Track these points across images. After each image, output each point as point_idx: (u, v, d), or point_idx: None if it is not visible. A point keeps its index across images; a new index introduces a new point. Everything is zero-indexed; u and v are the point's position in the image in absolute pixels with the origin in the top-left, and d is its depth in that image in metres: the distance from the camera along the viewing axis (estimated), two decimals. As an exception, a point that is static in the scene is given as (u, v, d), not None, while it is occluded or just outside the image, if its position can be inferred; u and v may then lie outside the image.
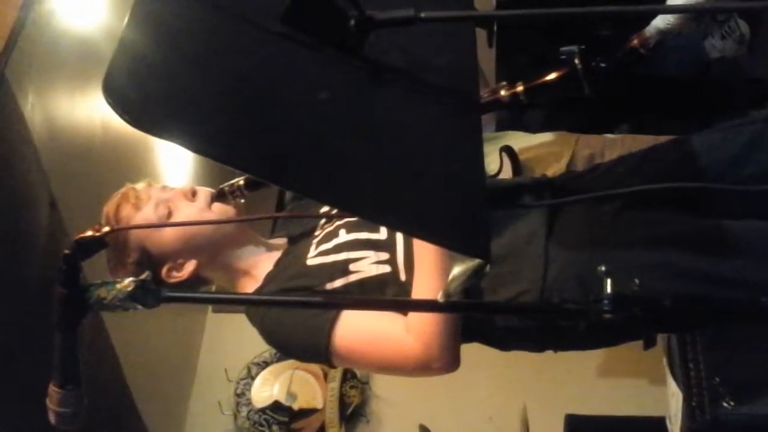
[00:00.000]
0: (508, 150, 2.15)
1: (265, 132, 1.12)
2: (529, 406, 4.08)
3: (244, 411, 4.46)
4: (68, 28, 3.20)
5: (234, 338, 4.46)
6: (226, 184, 2.01)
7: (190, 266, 1.98)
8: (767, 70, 3.51)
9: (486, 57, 3.57)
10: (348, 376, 4.45)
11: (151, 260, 1.96)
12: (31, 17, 2.85)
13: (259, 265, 2.01)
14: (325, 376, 4.43)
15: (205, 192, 2.01)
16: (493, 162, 2.14)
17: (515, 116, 3.65)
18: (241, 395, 4.51)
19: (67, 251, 1.35)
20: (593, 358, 4.28)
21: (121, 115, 1.04)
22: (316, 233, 2.01)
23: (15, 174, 2.79)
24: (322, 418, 4.37)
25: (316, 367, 4.45)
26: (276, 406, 4.39)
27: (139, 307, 1.33)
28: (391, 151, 1.20)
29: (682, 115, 3.55)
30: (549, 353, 1.93)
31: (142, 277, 1.34)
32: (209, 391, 4.62)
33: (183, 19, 1.16)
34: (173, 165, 3.95)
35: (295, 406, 4.36)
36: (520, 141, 2.81)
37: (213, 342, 4.79)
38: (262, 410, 4.41)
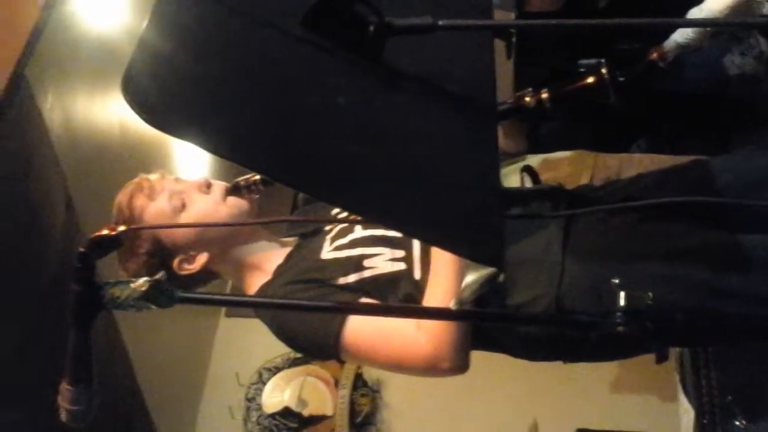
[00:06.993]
0: (528, 169, 2.16)
1: (283, 135, 1.13)
2: (539, 419, 4.08)
3: (254, 416, 4.47)
4: (89, 29, 3.22)
5: (246, 343, 4.47)
6: (242, 178, 2.00)
7: (202, 259, 1.97)
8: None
9: (504, 69, 3.58)
10: (359, 383, 4.46)
11: (163, 251, 1.96)
12: (52, 18, 2.87)
13: (270, 259, 2.00)
14: (336, 383, 4.43)
15: (219, 185, 2.01)
16: (513, 183, 2.15)
17: (532, 128, 3.65)
18: (252, 400, 4.52)
19: (82, 249, 1.35)
20: (605, 373, 4.27)
21: (140, 115, 1.05)
22: (328, 228, 2.01)
23: (33, 173, 2.81)
24: (331, 425, 4.37)
25: (327, 374, 4.45)
26: (286, 412, 4.40)
27: (153, 307, 1.33)
28: (406, 157, 1.20)
29: (700, 131, 3.54)
30: (560, 366, 1.93)
31: (157, 277, 1.34)
32: (220, 395, 4.64)
33: (202, 22, 1.17)
34: (190, 167, 3.97)
35: (306, 413, 4.37)
36: (539, 162, 2.81)
37: (225, 346, 4.80)
38: (272, 416, 4.41)
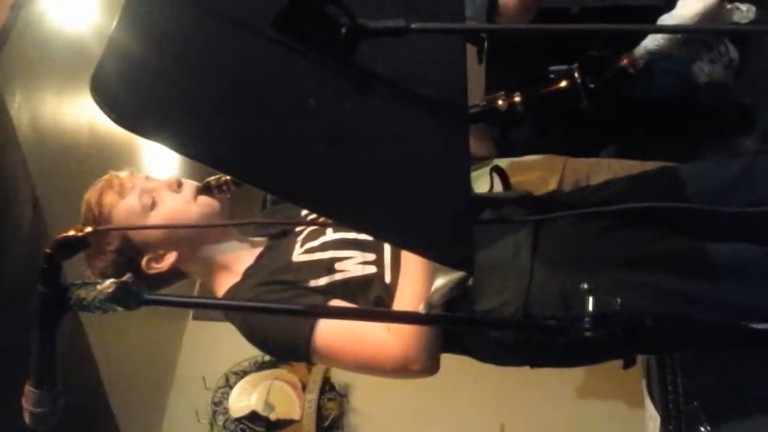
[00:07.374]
0: (498, 170, 2.16)
1: (253, 137, 1.12)
2: (506, 424, 4.09)
3: (220, 420, 4.44)
4: (58, 28, 3.20)
5: (213, 346, 4.45)
6: (213, 177, 1.99)
7: (170, 258, 1.96)
8: (754, 97, 3.52)
9: (475, 74, 3.58)
10: (326, 388, 4.44)
11: (132, 249, 1.94)
12: (21, 18, 2.84)
13: (240, 260, 1.99)
14: (304, 387, 4.41)
15: (190, 184, 2.00)
16: (483, 185, 2.15)
17: (501, 132, 3.66)
18: (219, 404, 4.48)
19: (48, 250, 1.34)
20: (572, 379, 4.29)
21: (109, 116, 1.03)
22: (299, 230, 2.00)
23: (-1, 173, 2.78)
24: (299, 429, 4.35)
25: (294, 378, 4.43)
26: (253, 416, 4.36)
27: (119, 308, 1.31)
28: (377, 160, 1.20)
29: (668, 138, 3.56)
30: (527, 371, 1.93)
31: (124, 278, 1.32)
32: (186, 398, 4.60)
33: (173, 22, 1.16)
34: (160, 168, 3.94)
35: (273, 417, 4.34)
36: (507, 166, 2.81)
37: (192, 349, 4.77)
38: (239, 420, 4.38)
